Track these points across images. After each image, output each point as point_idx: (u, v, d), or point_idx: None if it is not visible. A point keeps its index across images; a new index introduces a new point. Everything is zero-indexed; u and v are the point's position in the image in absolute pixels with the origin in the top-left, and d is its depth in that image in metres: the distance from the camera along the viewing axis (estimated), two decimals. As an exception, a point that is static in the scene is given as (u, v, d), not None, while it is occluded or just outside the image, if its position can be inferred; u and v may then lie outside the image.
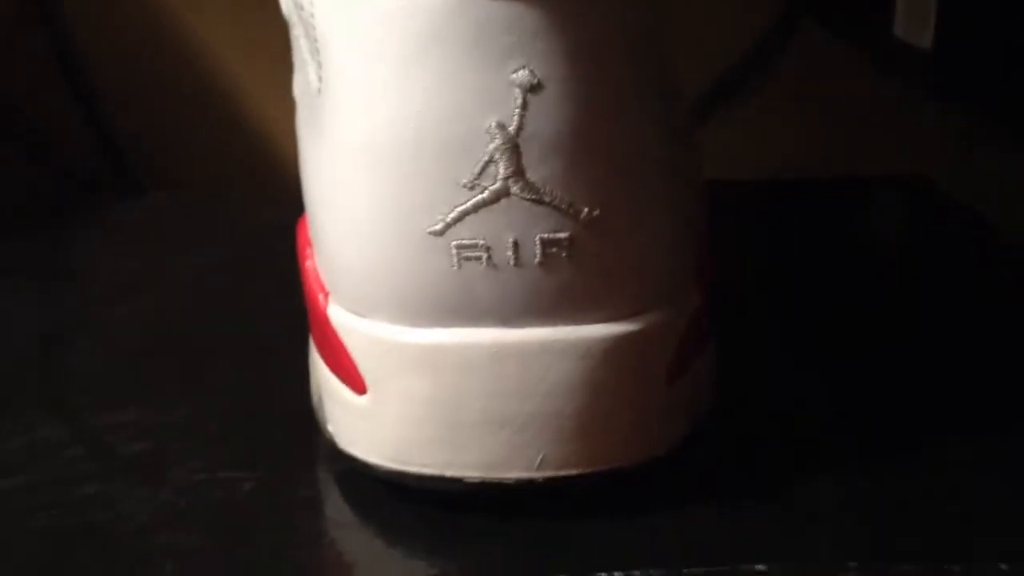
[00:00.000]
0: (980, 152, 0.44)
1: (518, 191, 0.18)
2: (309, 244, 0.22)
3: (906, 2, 0.40)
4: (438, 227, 0.18)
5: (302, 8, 0.20)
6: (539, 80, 0.18)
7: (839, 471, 0.21)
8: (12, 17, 0.43)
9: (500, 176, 0.18)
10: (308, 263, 0.21)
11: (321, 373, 0.21)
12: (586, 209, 0.18)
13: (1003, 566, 0.18)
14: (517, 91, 0.18)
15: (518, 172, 0.18)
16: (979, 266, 0.33)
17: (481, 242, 0.18)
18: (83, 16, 0.43)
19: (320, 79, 0.20)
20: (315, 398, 0.22)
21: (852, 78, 0.46)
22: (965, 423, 0.23)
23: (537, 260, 0.18)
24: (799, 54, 0.46)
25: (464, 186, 0.18)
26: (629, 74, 0.19)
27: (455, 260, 0.18)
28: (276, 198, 0.33)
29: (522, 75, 0.18)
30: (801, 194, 0.39)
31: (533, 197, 0.18)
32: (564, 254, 0.18)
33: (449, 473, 0.19)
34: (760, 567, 0.18)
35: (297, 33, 0.21)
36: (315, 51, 0.20)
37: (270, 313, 0.27)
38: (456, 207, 0.18)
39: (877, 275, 0.32)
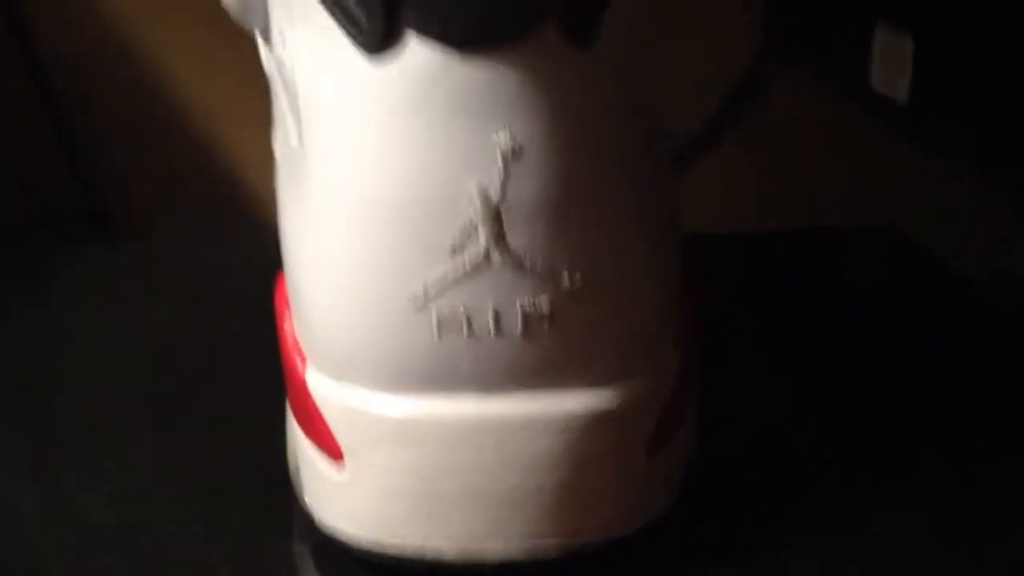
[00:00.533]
0: (954, 201, 0.45)
1: (499, 258, 0.18)
2: (287, 306, 0.21)
3: (882, 54, 0.41)
4: (418, 295, 0.18)
5: (283, 67, 0.20)
6: (520, 144, 0.17)
7: (825, 527, 0.21)
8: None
9: (482, 243, 0.18)
10: (286, 326, 0.21)
11: (298, 441, 0.20)
12: (568, 276, 0.18)
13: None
14: (498, 155, 0.17)
15: (500, 238, 0.18)
16: (946, 315, 0.33)
17: (461, 311, 0.18)
18: (64, 57, 0.43)
19: (300, 139, 0.20)
20: (292, 466, 0.21)
21: (829, 125, 0.47)
22: (946, 465, 0.23)
23: (518, 330, 0.18)
24: (775, 100, 0.47)
25: (445, 253, 0.18)
26: (612, 134, 0.18)
27: (435, 329, 0.18)
28: (254, 240, 0.32)
29: (503, 139, 0.17)
30: (775, 245, 0.39)
31: (515, 265, 0.18)
32: (545, 323, 0.18)
33: (428, 548, 0.19)
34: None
35: (278, 90, 0.21)
36: (296, 109, 0.20)
37: (249, 364, 0.27)
38: (437, 275, 0.18)
39: (850, 325, 0.32)
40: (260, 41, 0.22)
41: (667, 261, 0.20)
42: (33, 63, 0.42)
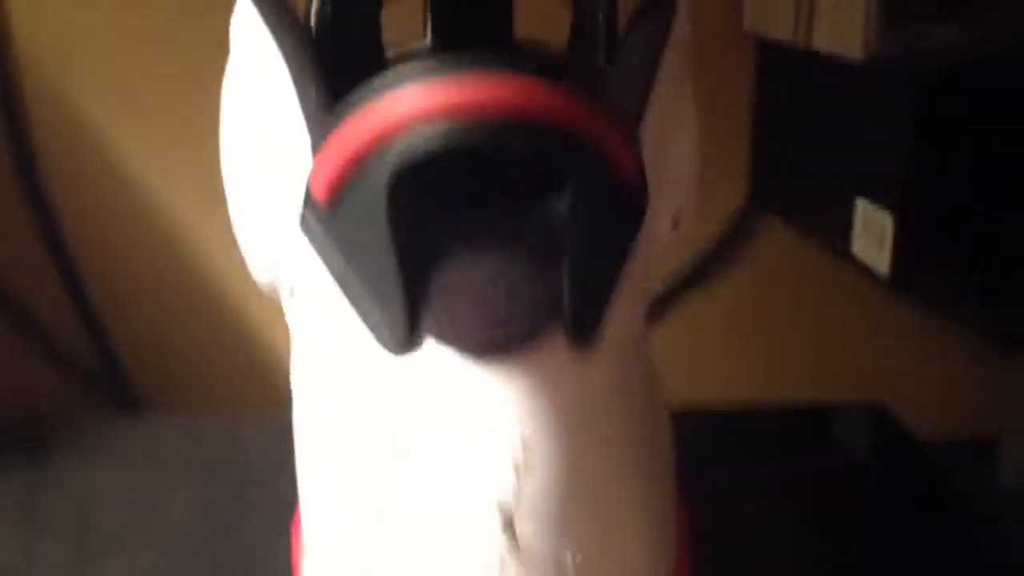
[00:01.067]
0: (934, 372, 0.46)
1: (509, 552, 0.19)
2: (302, 550, 0.22)
3: (863, 226, 0.42)
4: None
5: (304, 325, 0.21)
6: (529, 440, 0.19)
7: None
8: (20, 235, 0.44)
9: (495, 538, 0.19)
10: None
11: None
12: (571, 558, 0.19)
13: None
14: (509, 451, 0.19)
15: (508, 528, 0.19)
16: (926, 495, 0.34)
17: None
18: (89, 237, 0.44)
19: (314, 401, 0.21)
20: None
21: (812, 285, 0.48)
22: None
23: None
24: (757, 254, 0.48)
25: (456, 553, 0.19)
26: (616, 418, 0.20)
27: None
28: (276, 424, 0.33)
29: (514, 436, 0.19)
30: (758, 422, 0.40)
31: (523, 554, 0.19)
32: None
33: None
34: None
35: (297, 338, 0.22)
36: (311, 369, 0.21)
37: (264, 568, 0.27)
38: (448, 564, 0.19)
39: (833, 503, 0.34)
40: (284, 296, 0.24)
41: (668, 508, 0.21)
42: (56, 241, 0.43)
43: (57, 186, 0.44)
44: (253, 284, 0.44)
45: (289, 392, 0.23)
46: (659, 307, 0.47)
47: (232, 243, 0.43)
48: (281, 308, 0.24)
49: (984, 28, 0.38)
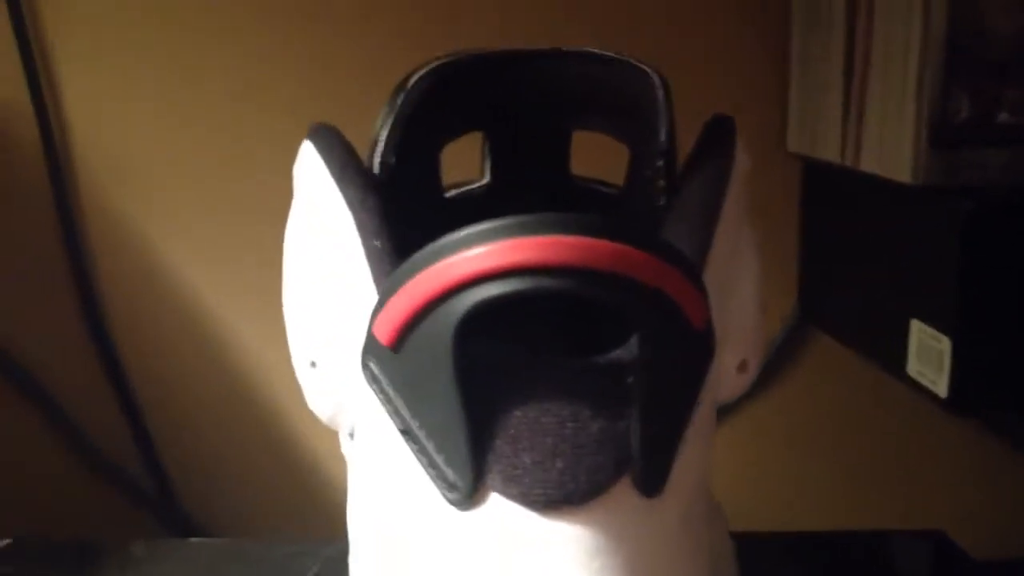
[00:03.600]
0: (996, 502, 0.45)
1: None
2: None
3: (918, 344, 0.41)
4: None
5: (363, 464, 0.21)
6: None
7: None
8: (79, 359, 0.44)
9: None
10: None
11: None
12: None
13: None
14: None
15: None
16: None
17: None
18: (148, 364, 0.45)
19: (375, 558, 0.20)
20: None
21: (866, 406, 0.47)
22: None
23: None
24: (808, 374, 0.47)
25: None
26: (687, 564, 0.19)
27: None
28: (331, 552, 0.32)
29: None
30: (819, 547, 0.39)
31: None
32: None
33: None
34: None
35: (354, 475, 0.22)
36: (371, 523, 0.21)
37: None
38: None
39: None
40: (343, 436, 0.23)
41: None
42: (115, 366, 0.44)
43: (116, 312, 0.44)
44: (312, 413, 0.44)
45: (342, 523, 0.22)
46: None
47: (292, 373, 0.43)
48: (338, 437, 0.23)
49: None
